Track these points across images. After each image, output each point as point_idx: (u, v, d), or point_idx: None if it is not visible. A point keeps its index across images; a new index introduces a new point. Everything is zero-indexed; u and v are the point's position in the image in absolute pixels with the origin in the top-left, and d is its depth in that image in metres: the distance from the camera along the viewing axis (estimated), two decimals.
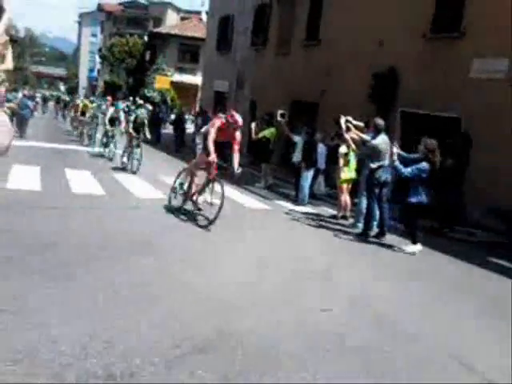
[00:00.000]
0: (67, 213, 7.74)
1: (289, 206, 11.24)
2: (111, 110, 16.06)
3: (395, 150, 8.23)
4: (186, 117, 23.83)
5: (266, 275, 6.00)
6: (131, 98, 38.01)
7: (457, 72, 11.97)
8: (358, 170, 10.06)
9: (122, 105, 20.68)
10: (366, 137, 9.05)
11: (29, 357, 3.39)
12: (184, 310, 4.56)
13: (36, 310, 4.10)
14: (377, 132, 8.99)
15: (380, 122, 9.06)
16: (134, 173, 12.56)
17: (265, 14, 21.38)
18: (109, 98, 27.67)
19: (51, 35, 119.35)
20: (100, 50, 68.51)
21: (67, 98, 41.32)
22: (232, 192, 11.48)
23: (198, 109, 24.19)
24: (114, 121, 15.59)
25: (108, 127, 15.53)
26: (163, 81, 38.33)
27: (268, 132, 13.82)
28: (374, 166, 8.81)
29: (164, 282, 5.28)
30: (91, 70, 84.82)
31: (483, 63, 11.43)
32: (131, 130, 13.32)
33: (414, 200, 8.01)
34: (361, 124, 9.84)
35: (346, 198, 10.36)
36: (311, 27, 17.98)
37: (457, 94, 11.82)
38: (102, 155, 15.63)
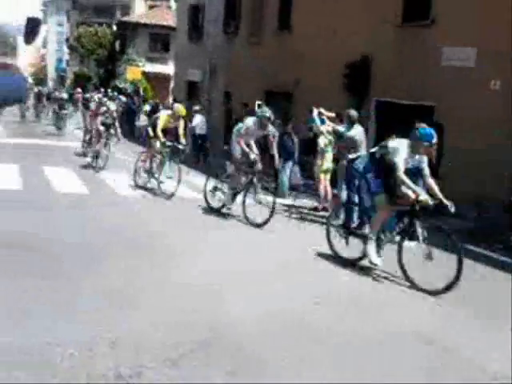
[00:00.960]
0: (51, 210, 7.82)
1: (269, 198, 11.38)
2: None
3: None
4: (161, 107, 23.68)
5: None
6: (102, 90, 37.55)
7: (429, 60, 12.26)
8: (336, 161, 10.29)
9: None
10: (340, 128, 9.28)
11: (38, 360, 3.53)
12: (185, 308, 4.74)
13: (37, 314, 4.22)
14: (351, 123, 9.26)
15: (353, 113, 9.32)
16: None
17: (235, 1, 21.35)
18: (78, 89, 27.14)
19: (15, 24, 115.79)
20: (67, 40, 67.16)
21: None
22: None
23: (171, 99, 24.07)
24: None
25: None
26: (135, 71, 37.96)
27: None
28: (351, 156, 9.05)
29: (162, 280, 5.44)
30: (59, 61, 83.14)
31: (453, 51, 11.74)
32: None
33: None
34: (332, 115, 10.06)
35: (326, 188, 10.50)
36: (283, 14, 18.04)
37: (429, 82, 12.13)
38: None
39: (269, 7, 18.89)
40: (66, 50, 69.39)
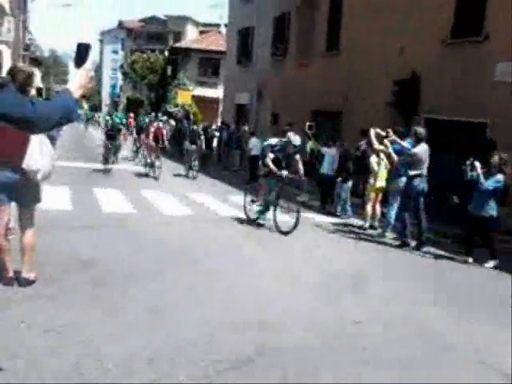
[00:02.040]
0: (99, 232, 7.95)
1: (315, 216, 11.31)
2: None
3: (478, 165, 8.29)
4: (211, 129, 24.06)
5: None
6: (153, 114, 38.55)
7: (481, 76, 11.92)
8: (387, 180, 10.20)
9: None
10: (406, 145, 9.12)
11: (77, 375, 3.52)
12: (223, 326, 4.66)
13: (80, 330, 4.24)
14: (417, 141, 9.11)
15: (421, 130, 9.22)
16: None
17: (284, 25, 21.56)
18: (131, 114, 28.19)
19: (74, 54, 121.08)
20: (122, 66, 69.55)
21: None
22: None
23: (219, 123, 24.44)
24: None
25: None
26: (185, 95, 38.76)
27: (312, 144, 14.01)
28: (412, 173, 8.93)
29: (203, 297, 5.41)
30: (113, 87, 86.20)
31: (507, 66, 11.38)
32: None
33: (492, 213, 8.15)
34: (383, 133, 9.94)
35: (376, 206, 10.51)
36: (331, 36, 18.09)
37: (481, 98, 11.77)
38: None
39: (317, 28, 18.96)
40: (120, 76, 71.85)
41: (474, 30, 12.21)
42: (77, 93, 2.58)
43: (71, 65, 4.60)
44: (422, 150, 9.00)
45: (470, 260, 8.36)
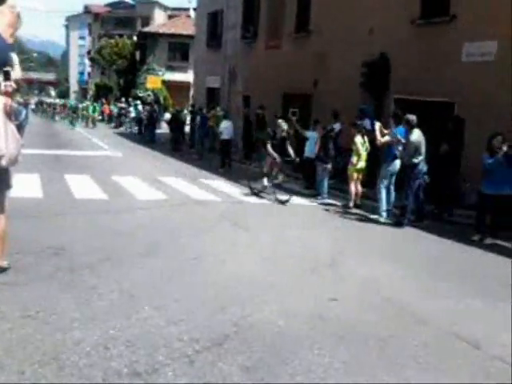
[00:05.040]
0: (71, 218, 7.87)
1: (296, 199, 11.41)
2: None
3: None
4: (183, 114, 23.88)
5: None
6: (123, 99, 38.07)
7: (448, 56, 12.08)
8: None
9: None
10: (401, 138, 9.47)
11: (56, 359, 3.52)
12: (199, 306, 4.70)
13: (56, 315, 4.22)
14: (410, 127, 9.34)
15: (412, 117, 9.39)
16: None
17: (254, 7, 21.42)
18: (105, 102, 27.96)
19: (37, 40, 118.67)
20: (89, 52, 68.32)
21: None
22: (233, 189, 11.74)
23: (194, 107, 24.19)
24: None
25: None
26: (154, 80, 38.34)
27: (284, 124, 13.96)
28: (417, 161, 9.20)
29: (179, 279, 5.42)
30: (81, 74, 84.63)
31: (474, 46, 11.55)
32: None
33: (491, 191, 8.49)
34: (386, 131, 10.26)
35: (358, 186, 10.83)
36: (300, 18, 18.05)
37: (449, 78, 11.95)
38: None
39: (287, 10, 18.90)
40: (87, 62, 70.58)
41: (441, 10, 12.34)
42: (7, 33, 2.39)
43: None
44: (418, 135, 9.25)
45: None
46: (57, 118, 42.19)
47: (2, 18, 2.31)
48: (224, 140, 16.32)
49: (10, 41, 3.74)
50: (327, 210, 10.64)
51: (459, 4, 11.87)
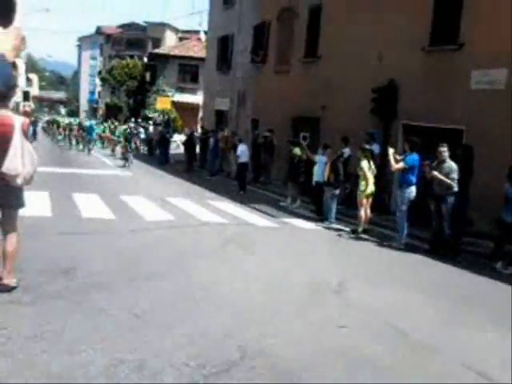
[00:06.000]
0: (78, 238, 7.88)
1: (303, 223, 11.46)
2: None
3: None
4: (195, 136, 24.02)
5: None
6: (133, 119, 38.39)
7: (457, 83, 12.13)
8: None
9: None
10: (402, 165, 9.88)
11: (64, 381, 3.50)
12: (205, 331, 4.67)
13: (64, 336, 4.21)
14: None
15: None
16: None
17: (264, 32, 21.68)
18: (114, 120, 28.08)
19: (51, 59, 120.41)
20: (100, 72, 69.11)
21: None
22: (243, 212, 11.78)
23: (203, 128, 24.34)
24: None
25: None
26: (164, 101, 38.71)
27: (299, 151, 14.01)
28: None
29: (185, 303, 5.40)
30: (92, 93, 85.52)
31: (482, 74, 11.60)
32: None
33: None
34: (399, 157, 10.39)
35: (367, 211, 10.79)
36: (310, 43, 18.23)
37: (458, 105, 11.98)
38: None
39: (296, 36, 19.10)
40: (98, 82, 71.36)
41: (450, 38, 12.43)
42: (10, 55, 2.41)
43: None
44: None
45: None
46: (73, 142, 32.71)
47: (7, 39, 2.34)
48: (241, 163, 16.50)
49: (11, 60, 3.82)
50: (339, 235, 10.57)
51: (468, 31, 11.95)
